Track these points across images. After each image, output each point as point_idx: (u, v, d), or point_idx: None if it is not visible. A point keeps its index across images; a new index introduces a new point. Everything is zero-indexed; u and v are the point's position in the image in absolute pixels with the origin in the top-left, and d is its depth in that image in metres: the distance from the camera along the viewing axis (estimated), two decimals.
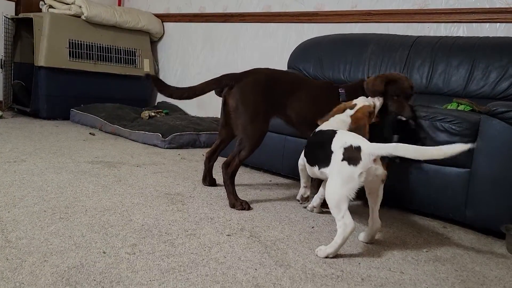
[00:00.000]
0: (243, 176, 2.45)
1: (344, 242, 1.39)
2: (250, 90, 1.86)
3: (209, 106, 4.05)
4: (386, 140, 1.79)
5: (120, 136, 3.32)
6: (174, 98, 1.94)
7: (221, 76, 1.90)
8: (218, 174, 2.11)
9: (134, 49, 4.31)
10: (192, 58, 4.38)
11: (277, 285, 1.18)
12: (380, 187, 1.49)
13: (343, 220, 1.38)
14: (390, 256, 1.48)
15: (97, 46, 4.01)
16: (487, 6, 2.68)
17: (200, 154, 2.92)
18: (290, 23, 3.61)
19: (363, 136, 1.52)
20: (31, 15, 3.72)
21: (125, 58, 4.22)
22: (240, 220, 1.69)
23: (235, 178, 1.88)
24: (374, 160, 1.40)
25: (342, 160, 1.42)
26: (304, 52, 3.00)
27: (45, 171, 2.09)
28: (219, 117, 2.04)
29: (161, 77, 4.62)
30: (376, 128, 1.78)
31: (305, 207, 1.92)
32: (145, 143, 3.13)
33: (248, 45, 3.92)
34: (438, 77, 2.44)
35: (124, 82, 4.21)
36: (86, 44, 3.92)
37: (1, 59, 3.79)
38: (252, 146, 1.85)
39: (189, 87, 1.91)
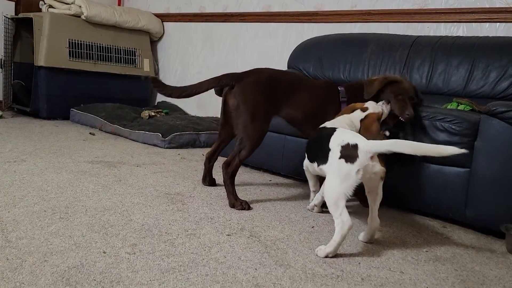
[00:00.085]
0: (243, 176, 2.45)
1: (342, 240, 1.40)
2: (251, 90, 1.86)
3: (209, 106, 4.05)
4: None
5: (120, 136, 3.32)
6: (173, 97, 1.94)
7: (221, 75, 1.90)
8: (218, 174, 2.11)
9: (134, 49, 4.30)
10: (192, 58, 4.37)
11: (277, 285, 1.18)
12: (379, 185, 1.49)
13: (341, 218, 1.38)
14: (390, 255, 1.49)
15: (97, 46, 4.00)
16: (487, 6, 2.68)
17: (200, 154, 2.92)
18: (290, 23, 3.61)
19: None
20: (31, 15, 3.72)
21: (125, 58, 4.22)
22: (240, 220, 1.69)
23: (235, 178, 1.89)
24: (371, 158, 1.41)
25: (340, 158, 1.43)
26: (304, 52, 3.00)
27: (45, 171, 2.09)
28: (219, 117, 2.04)
29: (161, 77, 4.62)
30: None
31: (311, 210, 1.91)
32: (145, 143, 3.13)
33: (248, 45, 3.92)
34: (438, 77, 2.44)
35: (124, 82, 4.21)
36: (86, 44, 3.92)
37: (1, 59, 3.79)
38: (252, 146, 1.85)
39: (188, 86, 1.91)
